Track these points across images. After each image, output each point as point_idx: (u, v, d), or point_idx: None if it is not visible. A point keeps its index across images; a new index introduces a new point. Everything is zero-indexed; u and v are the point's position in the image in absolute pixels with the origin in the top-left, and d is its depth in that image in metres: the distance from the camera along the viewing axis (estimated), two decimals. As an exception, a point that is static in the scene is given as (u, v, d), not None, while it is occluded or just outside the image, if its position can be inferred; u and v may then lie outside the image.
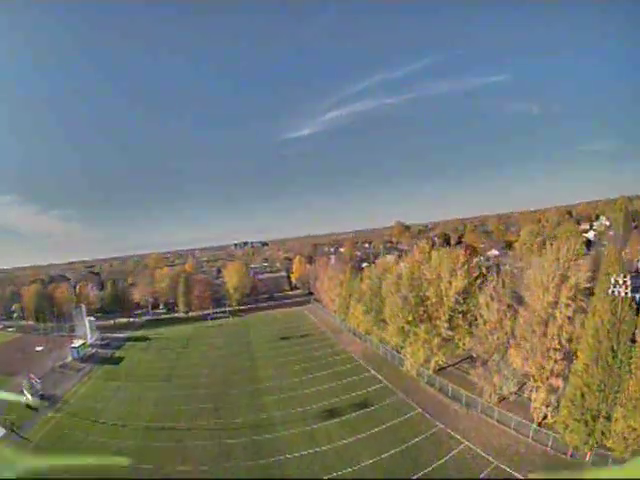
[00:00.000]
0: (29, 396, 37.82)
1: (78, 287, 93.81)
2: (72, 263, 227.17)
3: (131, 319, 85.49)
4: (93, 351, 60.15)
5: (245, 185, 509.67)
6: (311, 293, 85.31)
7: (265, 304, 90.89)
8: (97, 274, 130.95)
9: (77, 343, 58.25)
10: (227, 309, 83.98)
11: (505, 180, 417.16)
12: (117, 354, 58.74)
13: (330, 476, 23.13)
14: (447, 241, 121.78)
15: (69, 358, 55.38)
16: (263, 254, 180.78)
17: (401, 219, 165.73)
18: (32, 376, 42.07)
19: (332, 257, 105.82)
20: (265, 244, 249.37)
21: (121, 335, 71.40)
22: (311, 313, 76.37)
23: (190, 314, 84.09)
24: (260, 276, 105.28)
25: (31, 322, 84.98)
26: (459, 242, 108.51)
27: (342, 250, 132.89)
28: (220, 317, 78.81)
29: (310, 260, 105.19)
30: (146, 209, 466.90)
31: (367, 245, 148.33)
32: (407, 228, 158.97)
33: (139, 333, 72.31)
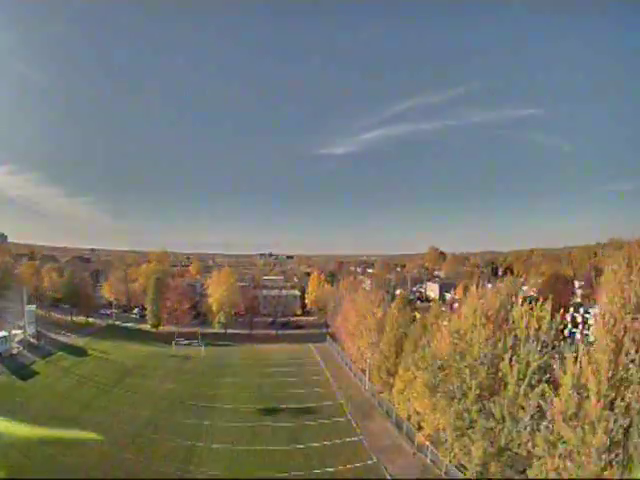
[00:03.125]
0: None
1: (42, 270, 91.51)
2: (94, 250, 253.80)
3: (91, 319, 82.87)
4: (12, 351, 56.12)
5: (276, 196, 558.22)
6: (327, 325, 74.80)
7: (263, 332, 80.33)
8: (87, 261, 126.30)
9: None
10: (201, 335, 71.51)
11: (525, 215, 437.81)
12: (35, 366, 52.49)
13: None
14: (495, 271, 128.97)
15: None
16: (284, 267, 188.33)
17: (434, 245, 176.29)
18: None
19: (364, 280, 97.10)
20: (290, 257, 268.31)
21: (61, 339, 66.91)
22: (324, 359, 62.00)
23: (160, 329, 76.72)
24: (265, 292, 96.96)
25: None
26: (505, 272, 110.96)
27: (372, 271, 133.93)
28: (191, 344, 66.70)
29: (332, 280, 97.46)
30: (179, 209, 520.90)
31: (399, 269, 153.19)
32: (442, 255, 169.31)
33: (82, 342, 66.24)
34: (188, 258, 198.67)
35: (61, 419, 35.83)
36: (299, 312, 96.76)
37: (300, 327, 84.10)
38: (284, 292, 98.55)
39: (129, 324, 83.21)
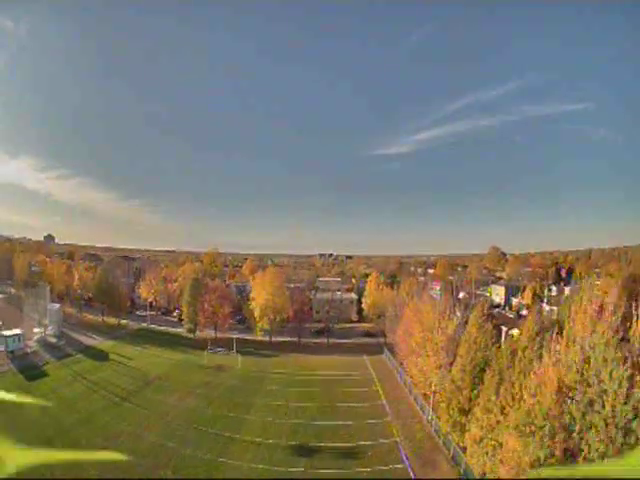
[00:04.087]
0: None
1: (74, 269, 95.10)
2: (148, 251, 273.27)
3: (124, 321, 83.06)
4: (26, 349, 57.45)
5: (335, 197, 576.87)
6: (385, 334, 68.05)
7: (313, 341, 75.07)
8: (130, 260, 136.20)
9: (11, 332, 56.70)
10: (242, 343, 68.48)
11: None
12: (47, 367, 52.45)
13: None
14: (558, 272, 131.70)
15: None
16: (343, 267, 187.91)
17: (495, 245, 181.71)
18: None
19: (427, 282, 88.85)
20: (349, 257, 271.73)
21: (85, 340, 67.03)
22: (379, 377, 54.32)
23: (197, 334, 74.18)
24: (319, 295, 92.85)
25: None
26: (568, 274, 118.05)
27: (433, 272, 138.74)
28: (229, 353, 62.78)
29: (393, 282, 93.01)
30: (239, 210, 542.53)
31: (460, 269, 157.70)
32: (503, 255, 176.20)
33: (107, 345, 65.79)
34: (246, 259, 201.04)
35: (46, 436, 32.21)
36: (355, 318, 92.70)
37: (354, 335, 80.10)
38: (339, 295, 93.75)
39: (165, 327, 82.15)
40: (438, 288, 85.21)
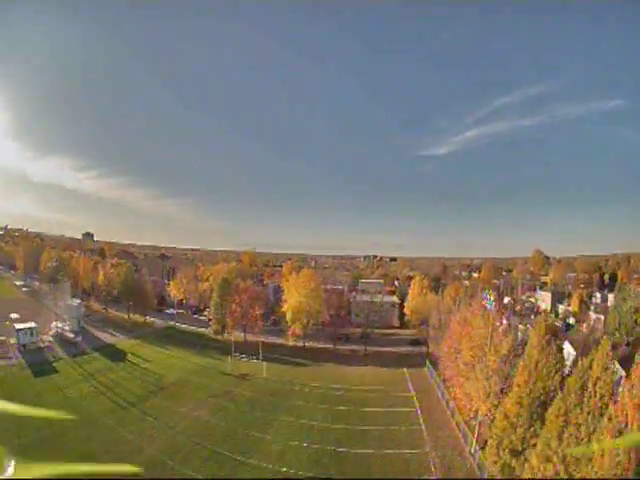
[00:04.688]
0: None
1: (99, 266, 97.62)
2: (193, 250, 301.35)
3: (151, 319, 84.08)
4: (41, 345, 58.10)
5: (379, 197, 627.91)
6: (428, 343, 65.90)
7: (350, 348, 71.45)
8: (164, 258, 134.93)
9: (24, 325, 57.55)
10: (273, 349, 67.53)
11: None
12: (58, 364, 52.77)
13: None
14: (602, 278, 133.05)
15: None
16: (386, 269, 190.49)
17: (539, 248, 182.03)
18: None
19: (472, 287, 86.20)
20: (394, 259, 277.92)
21: (105, 338, 67.75)
22: (419, 396, 49.64)
23: (225, 336, 72.52)
24: (359, 298, 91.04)
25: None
26: (612, 279, 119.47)
27: (477, 276, 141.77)
28: (258, 359, 60.04)
29: (436, 285, 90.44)
30: (284, 210, 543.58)
31: (504, 273, 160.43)
32: (547, 259, 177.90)
33: (127, 344, 65.77)
34: (289, 259, 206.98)
35: (39, 436, 32.21)
36: (396, 323, 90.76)
37: (393, 343, 77.14)
38: (380, 298, 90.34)
39: (193, 327, 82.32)
40: (492, 298, 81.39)
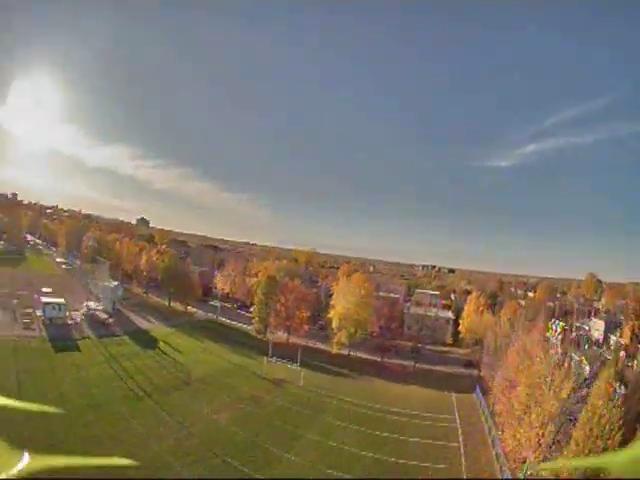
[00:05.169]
0: None
1: (144, 251, 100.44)
2: (249, 243, 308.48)
3: (193, 309, 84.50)
4: (69, 321, 58.77)
5: (440, 206, 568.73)
6: (480, 366, 64.14)
7: (398, 363, 68.00)
8: (216, 249, 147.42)
9: (53, 299, 58.70)
10: (316, 355, 66.27)
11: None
12: (83, 342, 52.85)
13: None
14: None
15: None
16: (444, 281, 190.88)
17: (592, 271, 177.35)
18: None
19: (529, 306, 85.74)
20: (452, 271, 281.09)
21: (140, 323, 68.22)
22: (464, 430, 45.07)
23: (267, 336, 71.27)
24: (413, 310, 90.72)
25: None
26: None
27: (532, 295, 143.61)
28: (288, 363, 57.54)
29: (493, 303, 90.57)
30: (345, 211, 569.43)
31: (559, 295, 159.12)
32: (599, 283, 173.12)
33: (162, 332, 65.36)
34: (348, 262, 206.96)
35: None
36: (449, 341, 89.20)
37: (445, 361, 75.39)
38: (434, 312, 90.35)
39: (235, 322, 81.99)
40: (559, 330, 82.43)
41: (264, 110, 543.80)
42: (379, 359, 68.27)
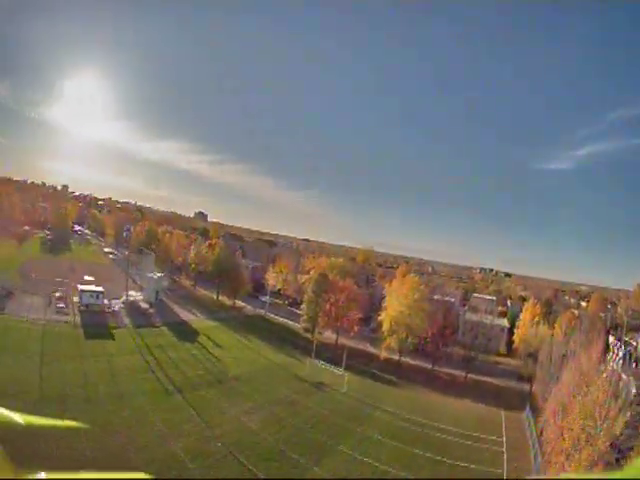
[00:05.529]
0: None
1: (194, 244, 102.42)
2: (307, 240, 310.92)
3: (241, 304, 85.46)
4: (107, 309, 60.02)
5: (496, 209, 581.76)
6: (532, 381, 62.95)
7: (449, 372, 66.44)
8: (272, 245, 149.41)
9: (90, 287, 60.42)
10: (365, 360, 64.72)
11: None
12: (118, 331, 53.45)
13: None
14: None
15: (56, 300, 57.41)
16: (500, 285, 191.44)
17: None
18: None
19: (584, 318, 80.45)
20: (508, 275, 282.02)
21: (183, 315, 68.70)
22: (511, 455, 42.13)
23: (316, 335, 70.16)
24: (469, 316, 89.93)
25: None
26: None
27: (585, 305, 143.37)
28: (332, 366, 55.04)
29: (548, 312, 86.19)
30: (404, 211, 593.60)
31: (609, 306, 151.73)
32: None
33: (205, 325, 65.30)
34: (406, 262, 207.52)
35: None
36: (503, 350, 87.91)
37: (496, 374, 72.51)
38: (490, 319, 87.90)
39: (284, 320, 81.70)
40: (619, 355, 77.08)
41: (326, 108, 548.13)
42: (430, 366, 66.88)
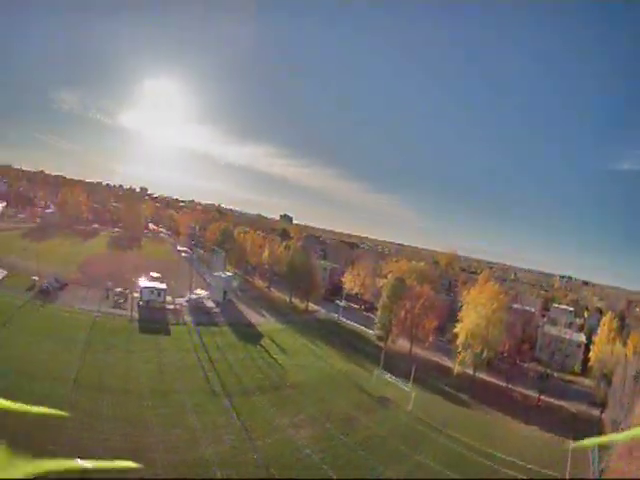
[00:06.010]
0: None
1: (269, 244, 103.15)
2: (401, 245, 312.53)
3: (315, 307, 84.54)
4: (168, 306, 61.68)
5: (577, 213, 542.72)
6: (605, 406, 57.78)
7: (523, 392, 62.02)
8: (352, 247, 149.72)
9: (152, 284, 63.03)
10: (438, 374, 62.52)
11: None
12: (176, 328, 54.69)
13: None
14: None
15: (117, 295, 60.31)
16: (578, 294, 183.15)
17: None
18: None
19: None
20: (585, 283, 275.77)
21: (251, 316, 68.67)
22: None
23: (389, 344, 67.67)
24: (547, 329, 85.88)
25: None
26: None
27: None
28: (399, 380, 51.49)
29: (621, 326, 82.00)
30: (489, 215, 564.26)
31: None
32: None
33: (273, 328, 64.84)
34: (491, 267, 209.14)
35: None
36: (577, 368, 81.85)
37: (568, 396, 65.72)
38: (567, 334, 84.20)
39: (357, 325, 79.21)
40: None
41: (412, 114, 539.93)
42: (504, 384, 63.43)
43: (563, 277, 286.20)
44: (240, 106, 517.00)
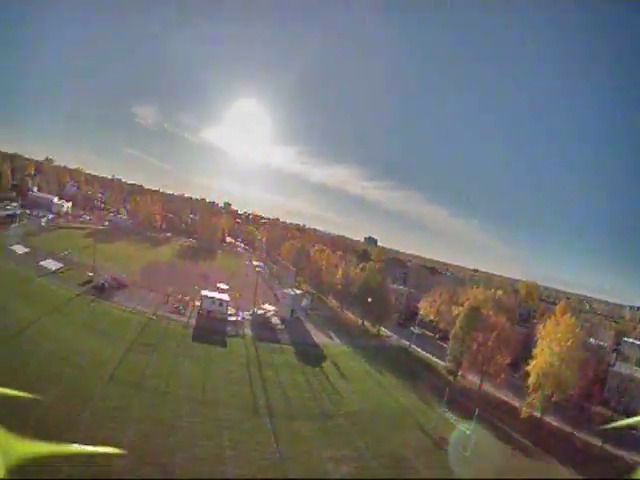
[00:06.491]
0: None
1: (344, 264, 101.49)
2: (476, 270, 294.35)
3: (387, 332, 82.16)
4: (230, 318, 61.76)
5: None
6: None
7: (585, 439, 55.80)
8: (434, 272, 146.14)
9: (214, 294, 63.67)
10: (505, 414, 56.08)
11: None
12: (232, 340, 54.60)
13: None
14: None
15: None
16: None
17: None
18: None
19: None
20: None
21: (317, 336, 67.50)
22: None
23: (459, 379, 65.32)
24: (618, 367, 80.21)
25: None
26: None
27: None
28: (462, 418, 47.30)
29: None
30: (575, 240, 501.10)
31: None
32: None
33: (339, 351, 63.29)
34: (568, 298, 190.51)
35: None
36: None
37: (632, 445, 56.95)
38: (637, 371, 79.44)
39: (430, 356, 75.02)
40: None
41: (496, 138, 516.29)
42: (569, 430, 56.78)
43: (632, 307, 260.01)
44: (329, 128, 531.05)
